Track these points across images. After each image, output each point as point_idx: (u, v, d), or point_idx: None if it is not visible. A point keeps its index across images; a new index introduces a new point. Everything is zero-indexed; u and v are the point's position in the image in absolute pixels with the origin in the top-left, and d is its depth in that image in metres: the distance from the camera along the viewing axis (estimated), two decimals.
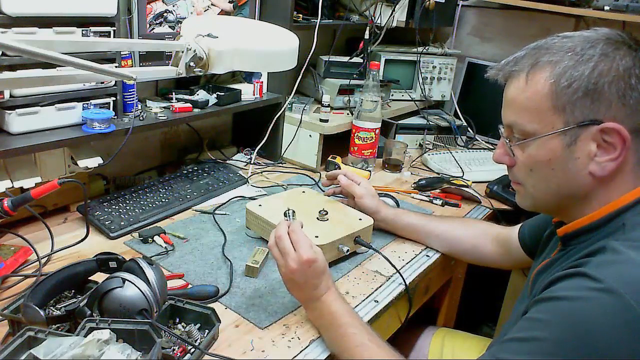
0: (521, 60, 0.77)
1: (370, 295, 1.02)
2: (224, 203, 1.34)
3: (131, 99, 1.23)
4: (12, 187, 1.04)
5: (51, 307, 0.85)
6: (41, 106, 1.07)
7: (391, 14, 1.81)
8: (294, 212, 0.96)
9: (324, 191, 1.48)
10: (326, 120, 1.61)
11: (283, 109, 1.61)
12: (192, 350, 0.80)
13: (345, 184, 1.26)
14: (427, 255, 1.20)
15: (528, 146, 0.77)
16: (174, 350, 0.80)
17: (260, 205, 1.18)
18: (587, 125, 0.71)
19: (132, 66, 1.22)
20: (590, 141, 0.72)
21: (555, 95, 0.72)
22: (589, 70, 0.70)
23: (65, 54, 0.63)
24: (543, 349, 0.65)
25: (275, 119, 1.60)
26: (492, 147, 1.98)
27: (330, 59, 1.74)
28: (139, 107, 1.28)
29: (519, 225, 1.11)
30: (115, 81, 1.17)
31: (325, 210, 1.14)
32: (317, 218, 1.14)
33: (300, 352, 0.85)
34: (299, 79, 1.65)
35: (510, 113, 0.79)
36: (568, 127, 0.72)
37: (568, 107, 0.71)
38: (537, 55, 0.75)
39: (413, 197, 1.51)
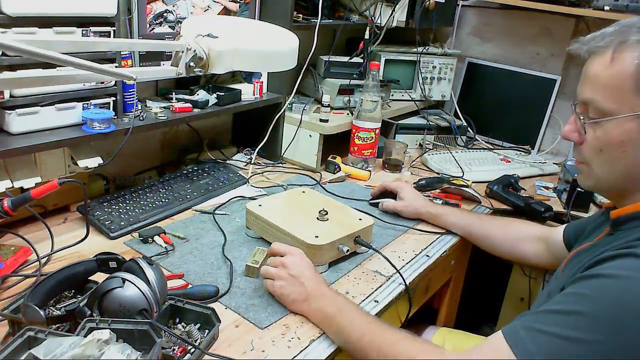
0: (609, 37, 0.74)
1: (370, 295, 1.02)
2: (224, 203, 1.34)
3: (131, 99, 1.23)
4: (12, 187, 1.04)
5: (51, 307, 0.85)
6: (41, 106, 1.07)
7: (391, 14, 1.80)
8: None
9: (326, 190, 1.49)
10: (326, 120, 1.61)
11: (283, 109, 1.61)
12: (192, 350, 0.80)
13: (387, 208, 1.37)
14: (427, 255, 1.20)
15: (602, 126, 0.75)
16: (174, 350, 0.80)
17: (260, 205, 1.18)
18: None
19: (132, 66, 1.22)
20: None
21: (639, 77, 0.70)
22: None
23: (65, 54, 0.63)
24: (581, 323, 0.64)
25: (275, 119, 1.60)
26: (492, 147, 1.98)
27: (330, 59, 1.74)
28: (139, 107, 1.28)
29: (562, 226, 1.12)
30: (115, 81, 1.17)
31: (325, 210, 1.14)
32: (317, 218, 1.14)
33: (300, 352, 0.85)
34: (299, 79, 1.65)
35: (588, 89, 0.77)
36: None
37: None
38: (627, 33, 0.72)
39: None
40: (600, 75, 0.74)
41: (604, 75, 0.74)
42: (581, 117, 0.79)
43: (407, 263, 1.16)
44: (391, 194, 1.40)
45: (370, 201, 1.43)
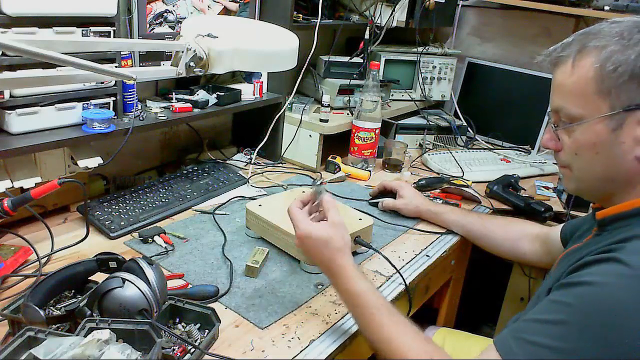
0: (569, 47, 0.77)
1: None
2: (224, 203, 1.34)
3: (131, 99, 1.23)
4: (12, 187, 1.04)
5: (51, 307, 0.85)
6: (41, 106, 1.06)
7: (391, 14, 1.81)
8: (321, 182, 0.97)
9: (326, 191, 1.48)
10: (326, 120, 1.61)
11: (283, 109, 1.61)
12: (192, 350, 0.80)
13: (387, 207, 1.37)
14: (427, 255, 1.20)
15: (574, 131, 0.77)
16: (174, 350, 0.80)
17: (260, 205, 1.18)
18: (633, 110, 0.71)
19: (132, 66, 1.22)
20: (637, 126, 0.72)
21: (600, 79, 0.72)
22: (635, 55, 0.70)
23: (65, 54, 0.63)
24: (565, 333, 0.65)
25: (275, 119, 1.60)
26: (492, 147, 1.98)
27: (330, 59, 1.74)
28: (139, 107, 1.28)
29: (560, 225, 1.12)
30: (115, 81, 1.17)
31: None
32: None
33: (300, 352, 0.85)
34: (299, 79, 1.65)
35: (556, 98, 0.79)
36: (614, 111, 0.72)
37: (614, 92, 0.72)
38: (585, 40, 0.75)
39: None
40: (565, 83, 0.77)
41: (567, 82, 0.76)
42: (554, 125, 0.81)
43: (407, 263, 1.16)
44: (391, 194, 1.40)
45: (370, 200, 1.43)
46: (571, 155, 0.80)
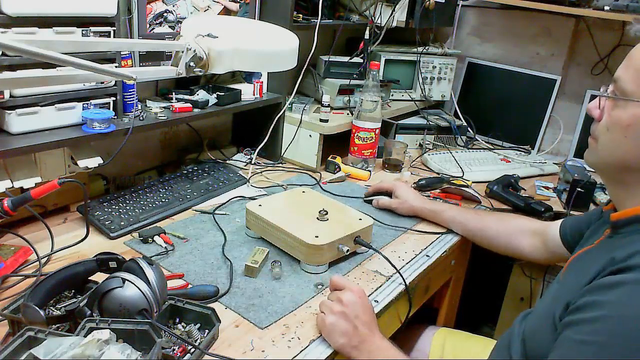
0: None
1: (370, 295, 1.02)
2: (224, 203, 1.34)
3: (131, 99, 1.23)
4: (12, 187, 1.04)
5: (51, 307, 0.85)
6: (41, 106, 1.07)
7: (391, 14, 1.80)
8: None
9: (324, 190, 1.49)
10: (326, 120, 1.61)
11: (283, 109, 1.61)
12: (192, 350, 0.80)
13: (383, 205, 1.38)
14: (427, 255, 1.20)
15: (618, 106, 0.76)
16: (174, 350, 0.80)
17: (260, 205, 1.18)
18: None
19: (132, 66, 1.22)
20: None
21: None
22: None
23: (65, 54, 0.63)
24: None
25: (275, 119, 1.60)
26: (492, 147, 1.98)
27: (330, 59, 1.74)
28: (139, 107, 1.28)
29: (559, 221, 1.12)
30: (115, 81, 1.17)
31: (325, 210, 1.14)
32: (317, 218, 1.14)
33: (300, 352, 0.85)
34: (299, 79, 1.65)
35: (622, 67, 0.77)
36: None
37: None
38: None
39: None
40: (636, 57, 0.75)
41: (638, 56, 0.74)
42: (606, 93, 0.79)
43: (407, 263, 1.16)
44: (386, 194, 1.40)
45: (365, 198, 1.44)
46: (603, 129, 0.78)
